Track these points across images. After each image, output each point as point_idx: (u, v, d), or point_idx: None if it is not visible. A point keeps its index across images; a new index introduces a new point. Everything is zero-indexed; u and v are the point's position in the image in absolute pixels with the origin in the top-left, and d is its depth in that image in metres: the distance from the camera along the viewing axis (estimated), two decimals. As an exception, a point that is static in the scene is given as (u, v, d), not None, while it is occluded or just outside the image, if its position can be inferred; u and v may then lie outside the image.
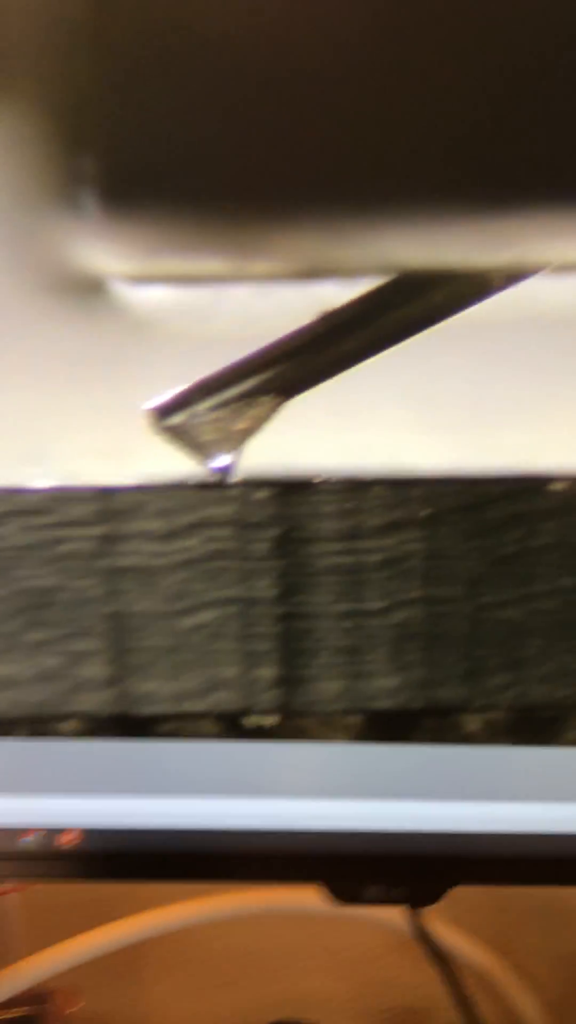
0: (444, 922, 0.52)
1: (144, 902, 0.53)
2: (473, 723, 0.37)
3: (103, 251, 0.32)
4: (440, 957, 0.48)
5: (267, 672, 0.37)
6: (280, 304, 0.33)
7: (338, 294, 0.33)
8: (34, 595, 0.36)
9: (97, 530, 0.35)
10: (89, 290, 0.33)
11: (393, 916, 0.51)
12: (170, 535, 0.35)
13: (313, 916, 0.57)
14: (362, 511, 0.35)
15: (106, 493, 0.35)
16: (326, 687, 0.37)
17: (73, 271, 0.33)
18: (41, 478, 0.35)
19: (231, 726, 0.37)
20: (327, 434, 0.35)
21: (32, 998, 0.56)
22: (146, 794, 0.38)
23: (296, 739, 0.37)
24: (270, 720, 0.37)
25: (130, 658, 0.37)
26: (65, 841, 0.39)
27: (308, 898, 0.53)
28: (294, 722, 0.37)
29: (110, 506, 0.35)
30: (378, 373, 0.34)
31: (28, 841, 0.39)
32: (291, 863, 0.38)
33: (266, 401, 0.34)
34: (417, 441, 0.35)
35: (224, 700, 0.37)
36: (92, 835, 0.38)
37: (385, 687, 0.37)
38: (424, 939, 0.47)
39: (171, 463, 0.35)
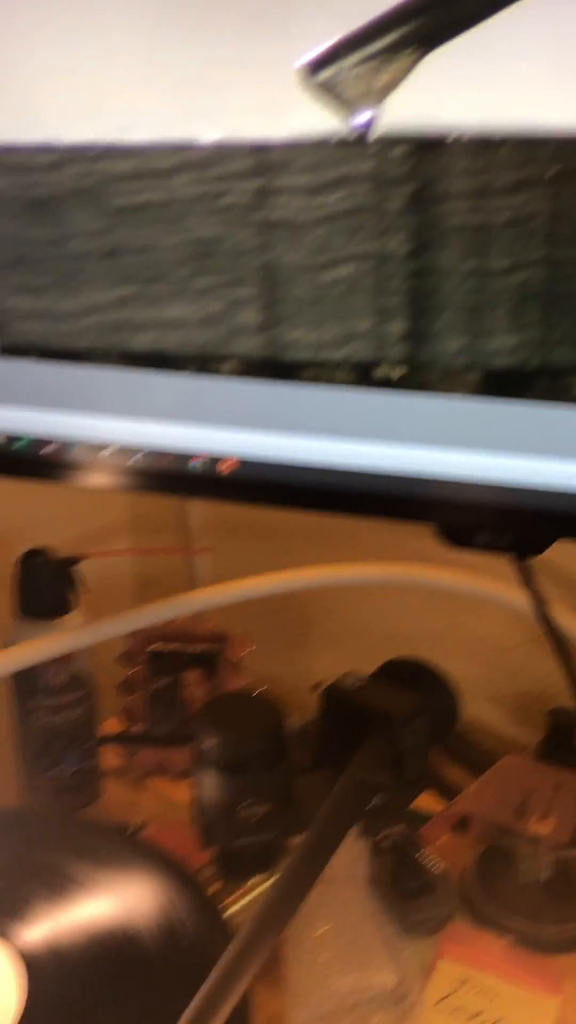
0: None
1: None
2: (584, 385, 0.39)
3: None
4: (560, 643, 0.53)
5: (396, 326, 0.41)
6: (424, -46, 0.35)
7: None
8: (200, 245, 0.42)
9: (252, 184, 0.40)
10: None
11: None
12: (315, 190, 0.39)
13: (462, 602, 0.63)
14: (492, 169, 0.37)
15: (260, 149, 0.39)
16: (449, 343, 0.40)
17: None
18: (205, 133, 0.40)
19: (363, 376, 0.42)
20: (462, 90, 0.37)
21: (211, 638, 0.67)
22: (291, 432, 0.44)
23: (420, 391, 0.41)
24: (397, 373, 0.41)
25: (278, 307, 0.42)
26: (224, 467, 0.46)
27: (462, 578, 0.59)
28: (419, 375, 0.41)
29: (263, 161, 0.39)
30: (514, 26, 0.35)
31: (195, 465, 0.46)
32: (408, 503, 0.43)
33: (406, 54, 0.36)
34: (550, 97, 0.36)
35: (358, 350, 0.42)
36: (246, 464, 0.45)
37: (504, 346, 0.40)
38: (546, 623, 0.52)
39: (319, 120, 0.38)
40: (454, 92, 0.37)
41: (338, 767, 0.47)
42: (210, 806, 0.47)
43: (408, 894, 0.52)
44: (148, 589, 0.79)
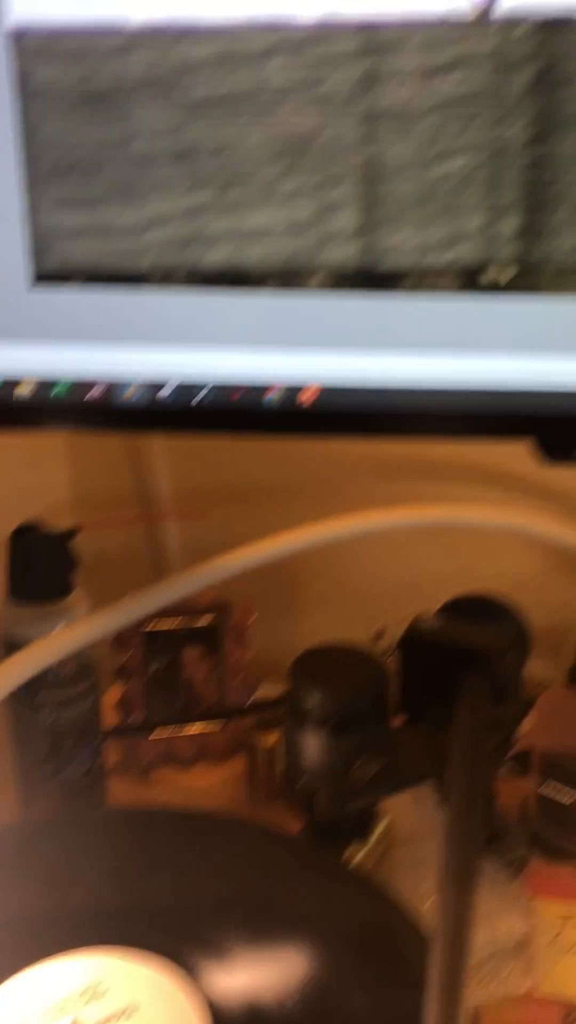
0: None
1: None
2: None
3: None
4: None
5: (510, 223, 0.38)
6: None
7: None
8: (291, 141, 0.37)
9: (357, 68, 0.36)
10: None
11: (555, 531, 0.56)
12: (428, 74, 0.36)
13: (466, 542, 0.61)
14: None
15: (367, 28, 0.36)
16: (566, 240, 0.38)
17: None
18: (303, 10, 0.35)
19: (468, 281, 0.39)
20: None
21: (214, 608, 0.62)
22: (383, 350, 0.41)
23: (530, 294, 0.39)
24: (507, 275, 0.39)
25: (379, 208, 0.38)
26: (304, 398, 0.42)
27: (474, 512, 0.57)
28: (530, 276, 0.39)
29: (372, 41, 0.36)
30: None
31: (271, 398, 0.42)
32: (509, 419, 0.41)
33: None
34: None
35: (466, 252, 0.39)
36: (329, 392, 0.41)
37: (623, 240, 0.38)
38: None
39: (435, -5, 0.35)
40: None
41: (435, 715, 0.44)
42: (314, 769, 0.43)
43: (484, 843, 0.50)
44: (101, 565, 0.72)
